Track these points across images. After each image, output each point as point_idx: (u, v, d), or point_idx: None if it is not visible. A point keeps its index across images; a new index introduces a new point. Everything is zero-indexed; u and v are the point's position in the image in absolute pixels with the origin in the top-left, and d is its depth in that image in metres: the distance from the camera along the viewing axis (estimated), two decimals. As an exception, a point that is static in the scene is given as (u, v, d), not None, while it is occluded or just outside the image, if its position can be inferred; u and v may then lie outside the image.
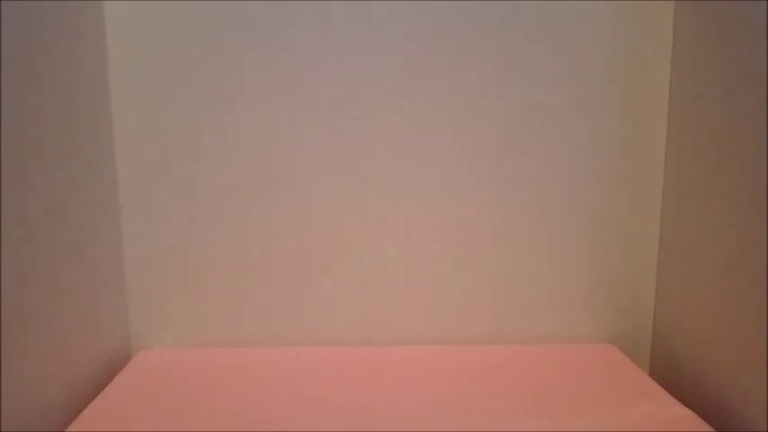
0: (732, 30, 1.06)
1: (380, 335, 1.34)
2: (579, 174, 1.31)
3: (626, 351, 1.31)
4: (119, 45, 1.24)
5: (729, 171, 1.06)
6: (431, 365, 1.22)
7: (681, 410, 1.03)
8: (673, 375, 1.25)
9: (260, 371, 1.19)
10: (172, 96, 1.25)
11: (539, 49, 1.26)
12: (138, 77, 1.25)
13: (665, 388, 1.12)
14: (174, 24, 1.23)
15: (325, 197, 1.29)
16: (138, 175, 1.28)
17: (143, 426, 0.98)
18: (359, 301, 1.33)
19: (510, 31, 1.26)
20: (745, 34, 1.02)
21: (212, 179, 1.28)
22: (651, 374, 1.31)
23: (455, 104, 1.27)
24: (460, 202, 1.30)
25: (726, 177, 1.07)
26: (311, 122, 1.27)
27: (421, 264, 1.32)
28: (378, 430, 0.96)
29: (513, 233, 1.32)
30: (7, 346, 0.87)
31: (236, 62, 1.25)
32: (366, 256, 1.32)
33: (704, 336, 1.14)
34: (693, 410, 1.03)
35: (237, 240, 1.30)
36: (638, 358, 1.33)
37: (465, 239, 1.32)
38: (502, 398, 1.08)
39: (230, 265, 1.31)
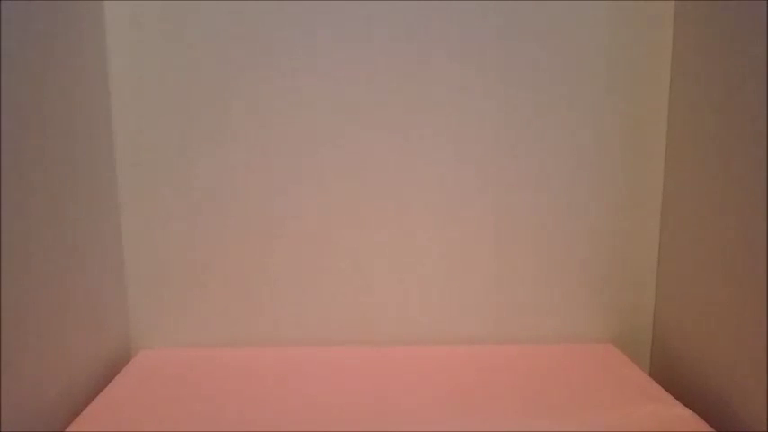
0: (732, 30, 1.06)
1: (380, 335, 1.34)
2: (579, 174, 1.31)
3: (626, 351, 1.31)
4: (119, 45, 1.24)
5: (729, 172, 1.06)
6: (431, 365, 1.22)
7: (681, 410, 1.03)
8: (673, 375, 1.25)
9: (260, 371, 1.19)
10: (172, 96, 1.26)
11: (538, 50, 1.26)
12: (138, 77, 1.25)
13: (665, 388, 1.12)
14: (174, 24, 1.23)
15: (326, 197, 1.29)
16: (138, 175, 1.28)
17: (143, 426, 0.98)
18: (359, 301, 1.33)
19: (509, 32, 1.26)
20: (746, 34, 1.02)
21: (212, 179, 1.28)
22: (651, 374, 1.31)
23: (455, 105, 1.27)
24: (461, 201, 1.31)
25: (726, 178, 1.07)
26: (311, 122, 1.27)
27: (421, 264, 1.32)
28: (378, 430, 0.96)
29: (513, 233, 1.32)
30: (7, 346, 0.87)
31: (237, 62, 1.25)
32: (366, 256, 1.32)
33: (704, 336, 1.14)
34: (693, 410, 1.03)
35: (237, 240, 1.30)
36: (638, 358, 1.34)
37: (465, 239, 1.32)
38: (501, 398, 1.08)
39: (230, 264, 1.31)
